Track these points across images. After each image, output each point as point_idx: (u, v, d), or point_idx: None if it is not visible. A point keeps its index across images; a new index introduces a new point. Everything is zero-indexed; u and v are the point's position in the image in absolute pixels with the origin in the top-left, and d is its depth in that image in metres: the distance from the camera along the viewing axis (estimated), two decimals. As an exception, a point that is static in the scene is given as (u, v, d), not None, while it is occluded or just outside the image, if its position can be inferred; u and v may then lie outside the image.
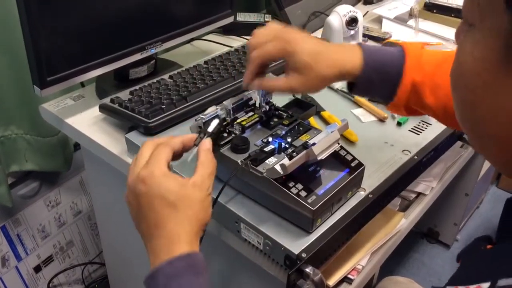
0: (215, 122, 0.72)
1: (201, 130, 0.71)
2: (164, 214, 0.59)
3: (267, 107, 0.81)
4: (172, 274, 0.57)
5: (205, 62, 1.08)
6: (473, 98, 0.43)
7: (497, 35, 0.38)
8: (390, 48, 0.74)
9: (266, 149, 0.72)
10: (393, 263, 1.78)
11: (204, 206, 0.62)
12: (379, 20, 1.47)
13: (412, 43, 0.74)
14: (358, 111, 0.97)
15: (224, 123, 0.75)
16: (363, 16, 1.24)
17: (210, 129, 0.71)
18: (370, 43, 1.34)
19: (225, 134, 0.75)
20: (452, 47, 1.29)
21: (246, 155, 0.72)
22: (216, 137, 0.72)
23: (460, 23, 0.45)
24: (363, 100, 0.97)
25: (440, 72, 0.69)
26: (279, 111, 0.81)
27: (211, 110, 0.75)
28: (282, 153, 0.72)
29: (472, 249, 0.55)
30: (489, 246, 0.51)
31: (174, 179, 0.61)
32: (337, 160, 0.74)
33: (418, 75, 0.70)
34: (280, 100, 0.84)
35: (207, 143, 0.67)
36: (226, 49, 1.19)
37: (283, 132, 0.77)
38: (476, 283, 0.43)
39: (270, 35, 0.72)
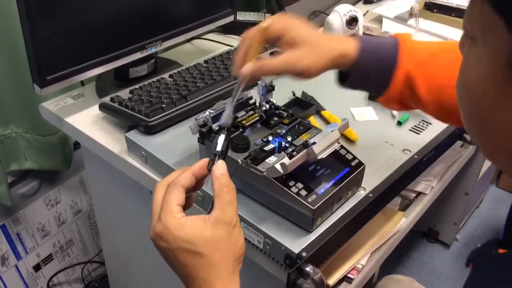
0: (221, 139, 0.64)
1: (210, 151, 0.65)
2: (192, 264, 0.55)
3: (268, 106, 0.81)
4: None
5: (205, 61, 1.08)
6: (479, 113, 0.42)
7: (500, 52, 0.37)
8: (385, 38, 0.73)
9: (266, 148, 0.72)
10: (393, 262, 1.78)
11: (232, 240, 0.56)
12: (379, 19, 1.47)
13: (404, 34, 0.73)
14: (358, 110, 0.97)
15: (232, 135, 0.70)
16: (363, 15, 1.24)
17: (219, 147, 0.63)
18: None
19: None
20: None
21: (246, 154, 0.72)
22: (226, 154, 0.65)
23: (462, 34, 0.44)
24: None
25: (434, 62, 0.68)
26: (280, 110, 0.81)
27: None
28: (282, 152, 0.72)
29: (483, 254, 0.55)
30: (501, 251, 0.51)
31: (192, 225, 0.56)
32: (337, 159, 0.74)
33: (411, 64, 0.69)
34: (280, 99, 0.84)
35: (219, 167, 0.60)
36: (226, 48, 1.19)
37: (283, 131, 0.77)
38: None
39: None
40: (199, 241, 0.55)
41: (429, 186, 0.96)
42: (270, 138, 0.75)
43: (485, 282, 0.47)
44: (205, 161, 0.62)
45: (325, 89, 1.04)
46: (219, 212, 0.56)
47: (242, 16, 1.38)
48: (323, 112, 0.95)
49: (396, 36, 0.71)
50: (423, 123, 0.93)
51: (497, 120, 0.40)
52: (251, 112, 0.79)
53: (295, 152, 0.68)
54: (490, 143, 0.44)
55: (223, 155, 0.63)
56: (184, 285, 0.58)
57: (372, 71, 0.70)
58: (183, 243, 0.55)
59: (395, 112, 0.95)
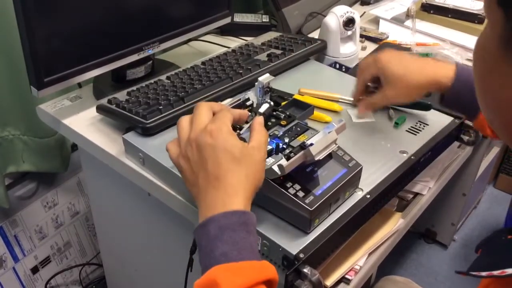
0: (265, 106, 0.75)
1: (253, 109, 0.73)
2: (227, 167, 0.60)
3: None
4: (225, 226, 0.57)
5: (203, 63, 1.08)
6: (482, 85, 0.47)
7: (495, 27, 0.42)
8: None
9: (263, 150, 0.72)
10: (391, 263, 1.78)
11: (262, 167, 0.64)
12: (376, 20, 1.47)
13: None
14: (356, 112, 0.97)
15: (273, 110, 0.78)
16: (360, 16, 1.24)
17: (262, 110, 0.73)
18: (367, 43, 1.35)
19: None
20: (448, 48, 1.29)
21: (244, 155, 0.72)
22: (266, 121, 0.72)
23: None
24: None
25: None
26: (277, 112, 0.81)
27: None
28: (279, 153, 0.72)
29: (493, 239, 0.56)
30: (510, 236, 0.52)
31: (238, 139, 0.63)
32: (335, 160, 0.74)
33: None
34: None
35: (260, 118, 0.68)
36: (223, 49, 1.19)
37: (281, 133, 0.77)
38: (500, 268, 0.45)
39: (370, 58, 0.87)
40: (242, 152, 0.62)
41: (426, 187, 0.97)
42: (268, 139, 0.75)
43: (492, 263, 0.48)
44: (246, 111, 0.70)
45: (321, 90, 1.04)
46: (257, 143, 0.64)
47: (239, 17, 1.38)
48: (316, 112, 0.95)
49: None
50: (420, 124, 0.93)
51: (494, 93, 0.45)
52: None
53: (292, 154, 0.68)
54: (492, 115, 0.48)
55: (263, 116, 0.71)
56: (202, 190, 0.62)
57: (464, 99, 0.79)
58: (230, 146, 0.61)
59: (392, 113, 0.95)
